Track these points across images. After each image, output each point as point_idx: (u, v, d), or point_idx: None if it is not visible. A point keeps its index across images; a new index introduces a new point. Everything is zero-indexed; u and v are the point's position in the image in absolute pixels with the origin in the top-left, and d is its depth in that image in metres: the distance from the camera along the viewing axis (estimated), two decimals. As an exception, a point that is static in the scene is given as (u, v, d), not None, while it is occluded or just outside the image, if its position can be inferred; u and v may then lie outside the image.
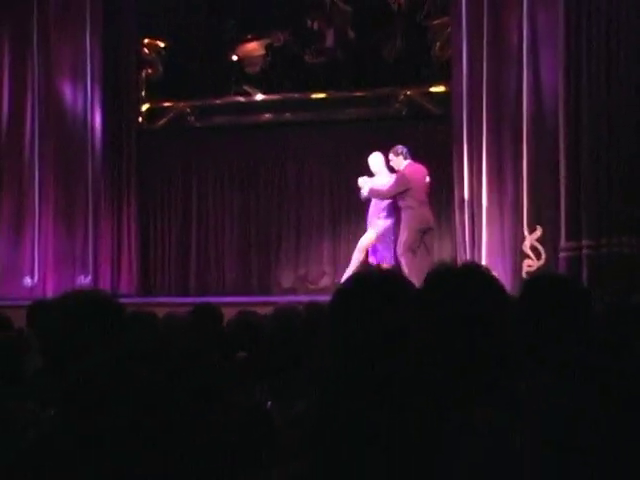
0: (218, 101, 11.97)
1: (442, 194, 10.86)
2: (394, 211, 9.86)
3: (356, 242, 10.95)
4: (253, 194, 11.77)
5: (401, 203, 9.66)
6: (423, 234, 9.54)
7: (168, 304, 9.22)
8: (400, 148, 9.79)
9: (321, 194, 11.69)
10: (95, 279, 11.13)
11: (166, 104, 12.11)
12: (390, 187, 9.64)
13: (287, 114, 11.83)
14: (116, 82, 11.60)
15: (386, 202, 9.88)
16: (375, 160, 10.06)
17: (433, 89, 11.29)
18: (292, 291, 11.38)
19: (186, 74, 11.94)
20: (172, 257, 11.95)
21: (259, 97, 11.95)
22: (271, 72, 11.92)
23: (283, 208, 11.74)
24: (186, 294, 11.44)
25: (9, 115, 11.20)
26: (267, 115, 11.91)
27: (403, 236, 9.53)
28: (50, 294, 10.09)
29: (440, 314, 1.41)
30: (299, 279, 11.65)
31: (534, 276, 2.52)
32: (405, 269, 9.38)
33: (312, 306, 3.83)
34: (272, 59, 11.88)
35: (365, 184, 9.91)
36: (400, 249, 9.56)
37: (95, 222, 11.22)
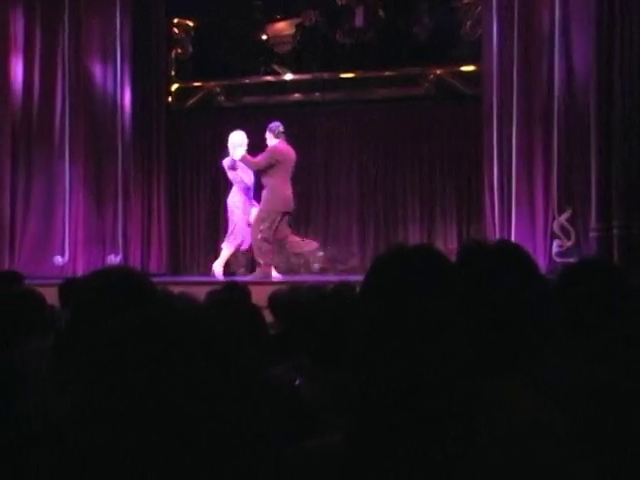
0: (247, 81, 11.96)
1: (471, 175, 10.82)
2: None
3: (385, 222, 10.98)
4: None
5: (265, 180, 9.70)
6: (283, 216, 9.63)
7: (197, 283, 9.25)
8: (274, 125, 9.83)
9: (350, 174, 11.66)
10: (125, 258, 11.19)
11: (195, 84, 12.12)
12: (260, 158, 9.70)
13: (316, 94, 11.80)
14: (146, 62, 11.61)
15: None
16: (237, 138, 10.06)
17: (463, 69, 11.20)
18: (321, 271, 11.39)
19: (215, 54, 11.94)
20: (201, 236, 12.00)
21: (288, 77, 11.93)
22: (300, 52, 11.88)
23: (312, 188, 11.73)
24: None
25: (40, 95, 11.26)
26: (296, 95, 11.89)
27: (258, 219, 9.62)
28: (80, 273, 10.16)
29: (474, 290, 1.40)
30: (328, 260, 11.66)
31: (575, 262, 2.49)
32: (259, 255, 9.64)
33: (341, 285, 3.83)
34: (301, 39, 11.84)
35: (236, 147, 9.91)
36: (254, 233, 9.65)
37: (125, 201, 11.27)
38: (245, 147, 9.98)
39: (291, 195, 9.74)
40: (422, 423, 1.26)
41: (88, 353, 2.07)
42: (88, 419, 1.14)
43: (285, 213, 9.70)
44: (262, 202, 9.76)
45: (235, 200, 10.05)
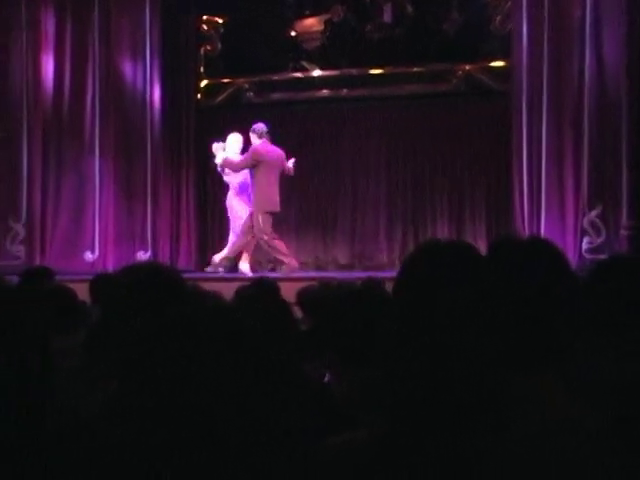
0: (276, 77, 11.97)
1: (500, 171, 10.76)
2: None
3: (413, 218, 10.96)
4: (309, 170, 11.77)
5: (251, 181, 9.84)
6: (269, 215, 9.77)
7: (225, 279, 9.29)
8: (257, 126, 9.96)
9: (377, 170, 11.64)
10: (154, 254, 11.24)
11: (224, 80, 12.15)
12: (241, 159, 9.87)
13: (344, 90, 11.79)
14: (175, 59, 11.67)
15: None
16: (233, 141, 10.26)
17: (492, 64, 11.13)
18: (348, 267, 11.39)
19: (244, 50, 11.95)
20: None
21: (316, 73, 11.93)
22: (329, 48, 11.88)
23: (340, 184, 11.73)
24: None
25: (70, 92, 11.35)
26: (324, 91, 11.88)
27: (255, 220, 9.75)
28: (110, 269, 10.23)
29: (505, 286, 1.40)
30: (355, 255, 11.65)
31: (606, 259, 2.46)
32: (275, 254, 9.86)
33: (370, 282, 3.84)
34: (330, 35, 11.83)
35: (218, 150, 10.13)
36: (259, 236, 9.77)
37: (154, 198, 11.33)
38: (237, 149, 10.17)
39: (275, 195, 9.82)
40: (452, 418, 1.26)
41: (119, 350, 2.09)
42: (119, 416, 1.15)
43: (270, 213, 9.82)
44: (252, 203, 9.93)
45: (232, 203, 10.26)
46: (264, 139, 9.87)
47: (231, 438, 1.08)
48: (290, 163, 9.96)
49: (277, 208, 9.89)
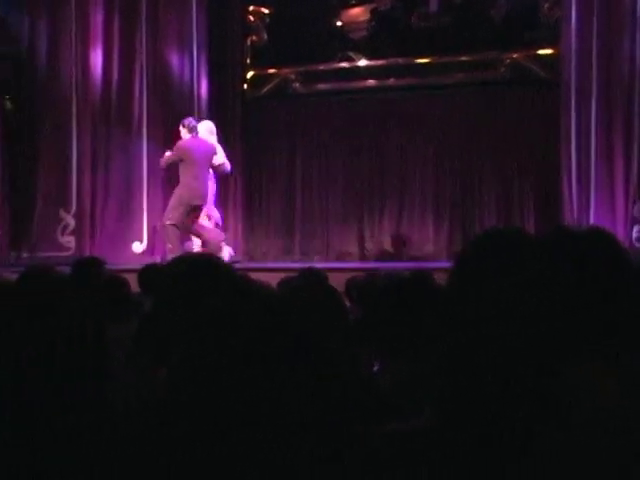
0: (322, 67, 11.96)
1: (548, 160, 10.65)
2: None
3: (462, 208, 10.90)
4: (356, 160, 11.75)
5: (180, 175, 9.94)
6: (192, 210, 9.82)
7: (271, 269, 9.32)
8: (187, 121, 10.00)
9: (424, 160, 11.59)
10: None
11: (270, 71, 12.17)
12: (167, 156, 10.01)
13: (391, 79, 11.75)
14: (221, 50, 11.72)
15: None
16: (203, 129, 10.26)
17: (541, 52, 11.00)
18: (395, 257, 11.36)
19: (290, 40, 11.96)
20: (277, 223, 12.06)
21: (363, 63, 11.89)
22: (375, 37, 11.83)
23: (386, 173, 11.69)
24: (290, 260, 11.54)
25: (118, 84, 11.45)
26: (371, 81, 11.85)
27: (170, 207, 9.89)
28: (158, 260, 10.32)
29: (561, 274, 1.40)
30: (402, 245, 11.62)
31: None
32: (167, 239, 9.95)
33: (418, 272, 3.83)
34: (376, 24, 11.79)
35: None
36: (164, 218, 9.92)
37: (202, 189, 11.39)
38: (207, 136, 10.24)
39: (201, 190, 9.88)
40: (503, 409, 1.27)
41: (168, 339, 2.11)
42: (171, 404, 1.16)
43: (194, 206, 9.89)
44: (173, 195, 10.00)
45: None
46: (193, 134, 9.97)
47: (283, 424, 1.10)
48: (215, 160, 10.08)
49: (201, 202, 9.98)
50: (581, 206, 9.65)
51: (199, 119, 10.55)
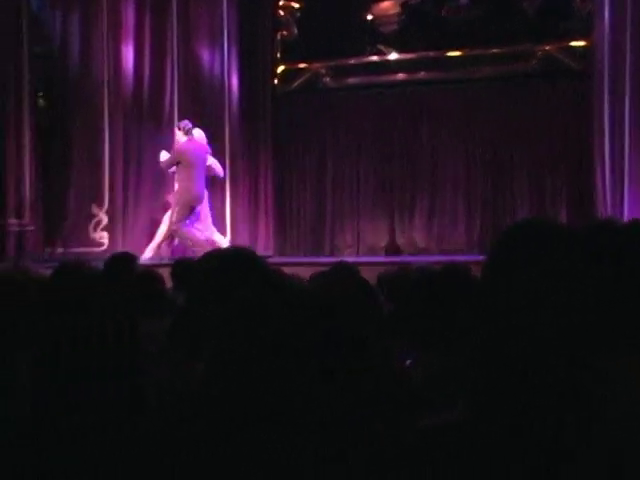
0: (352, 61, 11.94)
1: (581, 153, 10.57)
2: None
3: (494, 201, 10.84)
4: (387, 154, 11.73)
5: (176, 177, 10.25)
6: (192, 209, 10.13)
7: (303, 264, 9.32)
8: (183, 124, 10.30)
9: (456, 153, 11.54)
10: (232, 240, 11.34)
11: (301, 65, 12.17)
12: (166, 159, 10.27)
13: (422, 73, 11.71)
14: (252, 45, 11.73)
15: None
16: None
17: (573, 44, 10.91)
18: (426, 251, 11.33)
19: (320, 35, 11.94)
20: (307, 218, 12.07)
21: (393, 56, 11.86)
22: (406, 31, 11.79)
23: (418, 167, 11.66)
24: (321, 255, 11.54)
25: (150, 79, 11.51)
26: (401, 74, 11.82)
27: (173, 211, 10.20)
28: (189, 255, 10.35)
29: (599, 267, 1.39)
30: (433, 239, 11.58)
31: None
32: (186, 242, 10.22)
33: (450, 266, 3.81)
34: (406, 17, 11.74)
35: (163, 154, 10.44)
36: (172, 225, 10.22)
37: (232, 184, 11.43)
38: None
39: (197, 190, 10.10)
40: (537, 402, 1.26)
41: (202, 334, 2.12)
42: (208, 397, 1.17)
43: (192, 207, 10.18)
44: (174, 200, 10.31)
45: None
46: (189, 136, 10.20)
47: (314, 417, 1.10)
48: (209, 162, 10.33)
49: (197, 202, 10.19)
50: (614, 199, 9.57)
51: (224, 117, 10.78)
